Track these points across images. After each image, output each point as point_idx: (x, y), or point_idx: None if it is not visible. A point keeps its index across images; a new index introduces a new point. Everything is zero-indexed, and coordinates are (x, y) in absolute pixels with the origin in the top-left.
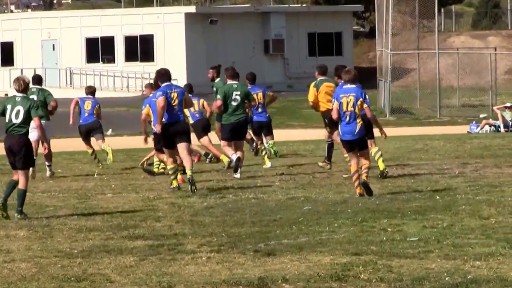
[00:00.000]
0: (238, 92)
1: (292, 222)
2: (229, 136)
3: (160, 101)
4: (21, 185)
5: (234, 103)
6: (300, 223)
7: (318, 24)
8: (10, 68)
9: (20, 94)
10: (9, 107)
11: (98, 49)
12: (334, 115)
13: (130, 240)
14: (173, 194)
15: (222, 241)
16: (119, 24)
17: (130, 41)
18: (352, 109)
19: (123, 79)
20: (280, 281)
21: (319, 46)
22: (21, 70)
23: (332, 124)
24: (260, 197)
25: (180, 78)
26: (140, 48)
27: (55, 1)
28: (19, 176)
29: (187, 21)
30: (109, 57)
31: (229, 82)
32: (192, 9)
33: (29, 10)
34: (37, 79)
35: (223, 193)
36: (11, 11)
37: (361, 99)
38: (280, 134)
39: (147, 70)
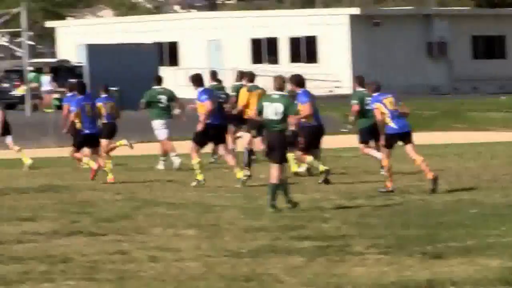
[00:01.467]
0: (369, 98)
1: (459, 225)
2: (368, 138)
3: (207, 104)
4: (273, 179)
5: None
6: (467, 226)
7: (482, 27)
8: (175, 68)
9: (278, 92)
10: (266, 104)
11: (263, 50)
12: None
13: (297, 240)
14: (339, 196)
15: (390, 243)
16: (283, 25)
17: (294, 42)
18: None
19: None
20: (448, 284)
21: (483, 49)
22: (186, 70)
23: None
24: (426, 199)
25: (344, 80)
26: (305, 49)
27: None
28: (274, 169)
29: (351, 23)
30: (274, 58)
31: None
32: (357, 10)
33: (194, 10)
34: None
35: (389, 194)
36: (176, 12)
37: None
38: (443, 137)
39: (310, 71)
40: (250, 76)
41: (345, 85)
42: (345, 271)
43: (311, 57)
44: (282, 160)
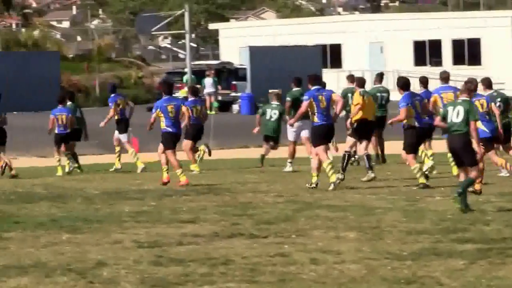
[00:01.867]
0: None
1: None
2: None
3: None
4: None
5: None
6: None
7: None
8: (338, 70)
9: (463, 97)
10: (450, 109)
11: (426, 52)
12: None
13: (459, 243)
14: (501, 198)
15: None
16: (446, 27)
17: (457, 45)
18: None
19: (451, 82)
20: None
21: None
22: (349, 72)
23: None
24: None
25: (507, 82)
26: (468, 51)
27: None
28: (470, 171)
29: None
30: (437, 60)
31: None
32: None
33: (357, 12)
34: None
35: None
36: (339, 14)
37: None
38: None
39: (474, 74)
40: (360, 81)
41: (508, 88)
42: (506, 274)
43: (475, 60)
44: (473, 163)
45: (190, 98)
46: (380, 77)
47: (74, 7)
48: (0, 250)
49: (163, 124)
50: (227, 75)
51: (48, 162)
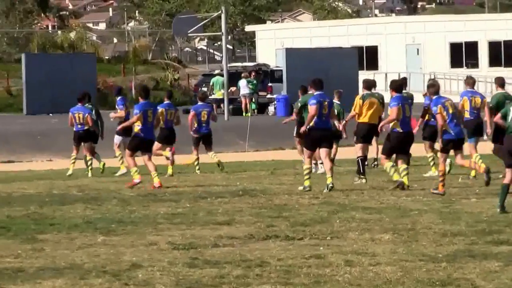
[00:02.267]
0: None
1: None
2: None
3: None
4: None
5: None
6: None
7: None
8: (374, 72)
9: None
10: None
11: (462, 54)
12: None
13: (494, 245)
14: None
15: None
16: (483, 29)
17: (494, 47)
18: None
19: (487, 84)
20: None
21: None
22: (385, 74)
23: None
24: None
25: None
26: (504, 53)
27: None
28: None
29: None
30: (473, 62)
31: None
32: None
33: (393, 14)
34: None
35: None
36: (375, 16)
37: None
38: None
39: (511, 76)
40: (367, 84)
41: None
42: None
43: (511, 61)
44: None
45: (165, 102)
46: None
47: (110, 9)
48: (35, 252)
49: (136, 128)
50: (263, 77)
51: (83, 164)
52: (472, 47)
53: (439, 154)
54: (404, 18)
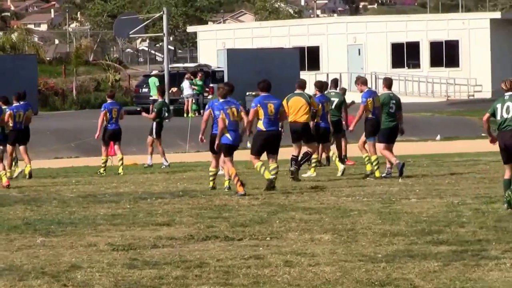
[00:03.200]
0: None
1: None
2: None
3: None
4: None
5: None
6: None
7: None
8: (315, 73)
9: (509, 93)
10: (498, 106)
11: (403, 54)
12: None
13: (434, 245)
14: (477, 200)
15: None
16: (424, 29)
17: (435, 47)
18: None
19: (428, 84)
20: None
21: None
22: (327, 74)
23: None
24: None
25: (484, 84)
26: (445, 53)
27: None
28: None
29: (492, 27)
30: (414, 62)
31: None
32: (497, 15)
33: (335, 15)
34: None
35: None
36: (317, 16)
37: None
38: None
39: (452, 76)
40: (299, 83)
41: (486, 89)
42: (480, 275)
43: (452, 62)
44: None
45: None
46: (335, 83)
47: (52, 10)
48: None
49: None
50: (205, 77)
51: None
52: (413, 47)
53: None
54: (346, 19)
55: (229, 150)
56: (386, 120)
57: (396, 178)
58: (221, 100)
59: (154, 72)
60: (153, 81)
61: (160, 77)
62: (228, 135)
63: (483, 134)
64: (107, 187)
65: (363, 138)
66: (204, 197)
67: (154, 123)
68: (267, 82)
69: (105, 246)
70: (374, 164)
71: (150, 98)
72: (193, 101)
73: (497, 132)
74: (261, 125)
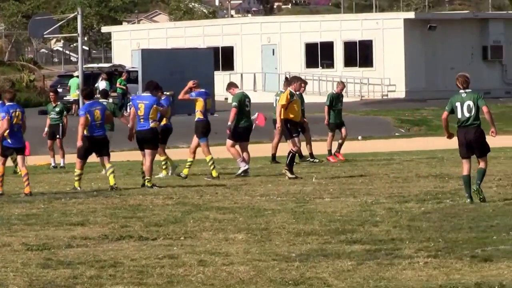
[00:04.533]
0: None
1: (509, 228)
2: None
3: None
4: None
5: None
6: None
7: None
8: (230, 73)
9: (466, 91)
10: (458, 104)
11: (317, 54)
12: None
13: (347, 244)
14: (390, 199)
15: (439, 246)
16: (338, 29)
17: (349, 47)
18: None
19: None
20: (497, 287)
21: None
22: (241, 74)
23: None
24: (477, 202)
25: (398, 84)
26: (359, 53)
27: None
28: (480, 161)
29: (406, 27)
30: (328, 62)
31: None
32: (411, 15)
33: (249, 15)
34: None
35: (440, 198)
36: (232, 16)
37: None
38: (497, 140)
39: (366, 76)
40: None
41: (399, 89)
42: (393, 274)
43: (366, 62)
44: (484, 154)
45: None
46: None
47: None
48: None
49: None
50: (119, 77)
51: None
52: (327, 47)
53: None
54: (260, 19)
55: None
56: (242, 119)
57: (310, 177)
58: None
59: (76, 73)
60: (76, 82)
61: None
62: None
63: (396, 134)
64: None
65: (195, 141)
66: (118, 197)
67: (61, 125)
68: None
69: (20, 246)
70: (210, 164)
71: (65, 98)
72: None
73: (458, 128)
74: (86, 131)
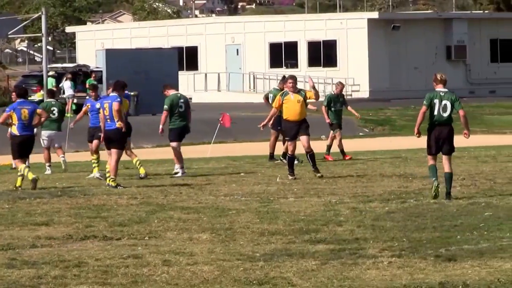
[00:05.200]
0: None
1: (473, 228)
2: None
3: None
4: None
5: None
6: (481, 228)
7: (500, 30)
8: (194, 73)
9: (444, 89)
10: (436, 101)
11: (282, 54)
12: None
13: (312, 244)
14: (354, 199)
15: (403, 246)
16: (302, 29)
17: (313, 47)
18: None
19: (306, 84)
20: (460, 287)
21: (501, 52)
22: (205, 74)
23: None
24: (441, 202)
25: (362, 83)
26: (323, 53)
27: (239, 7)
28: (446, 159)
29: (370, 27)
30: (292, 62)
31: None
32: (375, 15)
33: (213, 15)
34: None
35: (404, 197)
36: (196, 16)
37: None
38: (461, 140)
39: (329, 75)
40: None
41: (363, 89)
42: (358, 274)
43: (330, 61)
44: (451, 151)
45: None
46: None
47: None
48: None
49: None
50: (83, 77)
51: None
52: (291, 47)
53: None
54: (224, 19)
55: None
56: (177, 120)
57: (274, 177)
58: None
59: (51, 73)
60: (51, 82)
61: (57, 78)
62: None
63: (361, 134)
64: None
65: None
66: (83, 197)
67: None
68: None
69: None
70: (137, 164)
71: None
72: (73, 102)
73: (431, 125)
74: (14, 130)
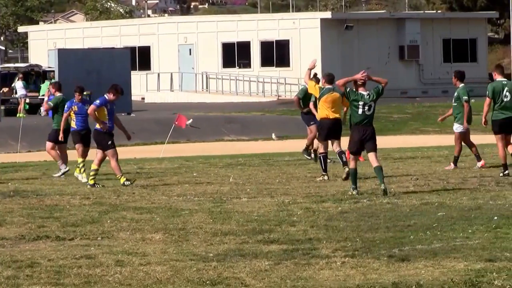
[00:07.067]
0: None
1: (426, 228)
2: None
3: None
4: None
5: None
6: (434, 228)
7: (453, 30)
8: (146, 73)
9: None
10: (361, 103)
11: (234, 54)
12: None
13: (265, 244)
14: (307, 199)
15: (357, 246)
16: (255, 29)
17: (266, 46)
18: None
19: (259, 84)
20: (414, 287)
21: (454, 52)
22: (158, 74)
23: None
24: (394, 202)
25: None
26: (276, 53)
27: (191, 6)
28: (371, 156)
29: (322, 27)
30: (245, 62)
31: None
32: (327, 14)
33: (166, 15)
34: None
35: (357, 198)
36: (148, 16)
37: None
38: (414, 140)
39: (282, 75)
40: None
41: None
42: (311, 274)
43: (283, 61)
44: (375, 149)
45: None
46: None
47: None
48: None
49: None
50: (36, 77)
51: None
52: (244, 47)
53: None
54: (177, 18)
55: None
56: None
57: (228, 177)
58: None
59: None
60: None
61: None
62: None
63: None
64: None
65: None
66: (36, 197)
67: None
68: None
69: None
70: (80, 166)
71: None
72: (25, 102)
73: (355, 126)
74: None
